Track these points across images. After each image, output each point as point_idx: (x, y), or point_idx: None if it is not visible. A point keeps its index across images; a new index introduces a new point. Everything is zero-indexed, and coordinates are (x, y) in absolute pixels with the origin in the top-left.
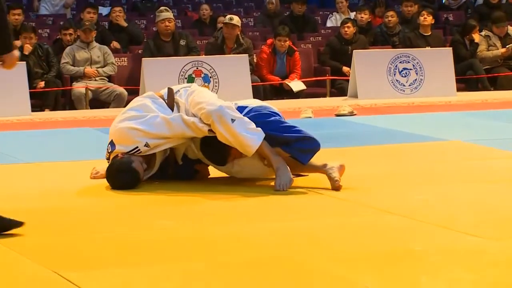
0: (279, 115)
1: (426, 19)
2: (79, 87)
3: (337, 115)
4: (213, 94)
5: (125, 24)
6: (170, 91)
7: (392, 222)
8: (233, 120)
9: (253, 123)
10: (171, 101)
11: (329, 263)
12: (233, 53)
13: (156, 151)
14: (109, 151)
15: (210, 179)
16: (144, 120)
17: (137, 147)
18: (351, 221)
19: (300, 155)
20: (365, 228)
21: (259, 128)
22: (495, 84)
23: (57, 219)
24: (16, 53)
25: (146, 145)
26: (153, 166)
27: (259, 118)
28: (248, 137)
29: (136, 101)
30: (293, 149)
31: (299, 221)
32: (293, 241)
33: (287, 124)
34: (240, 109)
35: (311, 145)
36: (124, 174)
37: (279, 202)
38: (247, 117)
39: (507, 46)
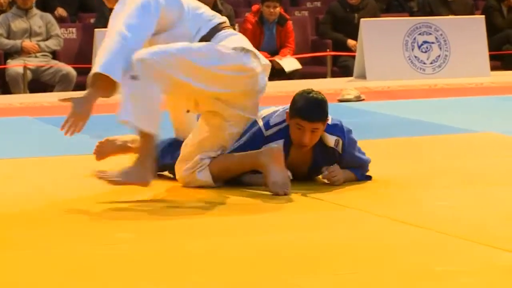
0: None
1: None
2: (15, 66)
3: (341, 101)
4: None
5: None
6: None
7: (409, 235)
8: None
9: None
10: None
11: (330, 284)
12: None
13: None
14: None
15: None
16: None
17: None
18: (358, 233)
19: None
20: (375, 242)
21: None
22: None
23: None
24: None
25: None
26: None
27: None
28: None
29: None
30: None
31: (292, 233)
32: (285, 258)
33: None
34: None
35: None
36: None
37: (268, 209)
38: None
39: None
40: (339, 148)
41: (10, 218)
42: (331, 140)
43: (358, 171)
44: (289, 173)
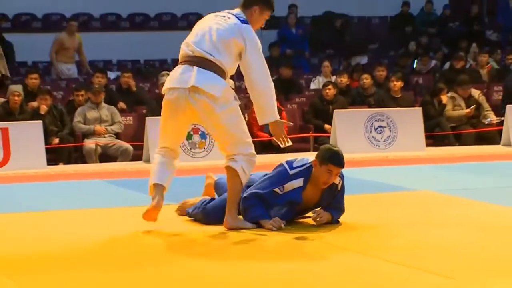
0: None
1: (396, 84)
2: (89, 143)
3: None
4: None
5: (134, 89)
6: None
7: (364, 263)
8: None
9: None
10: None
11: None
12: None
13: None
14: None
15: None
16: None
17: None
18: (324, 262)
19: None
20: (342, 270)
21: None
22: (460, 140)
23: (75, 261)
24: None
25: None
26: None
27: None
28: None
29: None
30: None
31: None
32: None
33: None
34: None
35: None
36: None
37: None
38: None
39: (470, 107)
40: (339, 186)
41: (82, 252)
42: (337, 179)
43: (336, 214)
44: (283, 224)
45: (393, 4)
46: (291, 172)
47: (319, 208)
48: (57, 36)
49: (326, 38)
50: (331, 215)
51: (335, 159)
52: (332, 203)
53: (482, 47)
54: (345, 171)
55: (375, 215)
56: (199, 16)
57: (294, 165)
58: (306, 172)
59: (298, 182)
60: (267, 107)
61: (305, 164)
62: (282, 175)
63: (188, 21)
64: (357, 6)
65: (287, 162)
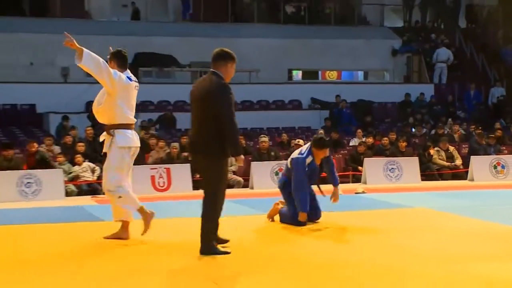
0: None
1: (402, 144)
2: None
3: (356, 193)
4: None
5: (244, 145)
6: None
7: (366, 258)
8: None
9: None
10: None
11: None
12: None
13: None
14: None
15: None
16: None
17: None
18: (337, 252)
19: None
20: (346, 260)
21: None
22: (442, 177)
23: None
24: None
25: None
26: None
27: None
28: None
29: None
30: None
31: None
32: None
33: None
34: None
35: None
36: None
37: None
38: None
39: (447, 159)
40: (330, 157)
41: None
42: (327, 152)
43: (336, 182)
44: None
45: (400, 95)
46: (304, 156)
47: (332, 194)
48: None
49: (359, 115)
50: (337, 188)
51: (325, 145)
52: (330, 171)
53: (455, 121)
54: (371, 195)
55: (384, 223)
56: (282, 102)
57: (303, 152)
58: (309, 152)
59: (309, 159)
60: None
61: (308, 149)
62: (302, 160)
63: (276, 104)
64: (378, 95)
65: (299, 154)
